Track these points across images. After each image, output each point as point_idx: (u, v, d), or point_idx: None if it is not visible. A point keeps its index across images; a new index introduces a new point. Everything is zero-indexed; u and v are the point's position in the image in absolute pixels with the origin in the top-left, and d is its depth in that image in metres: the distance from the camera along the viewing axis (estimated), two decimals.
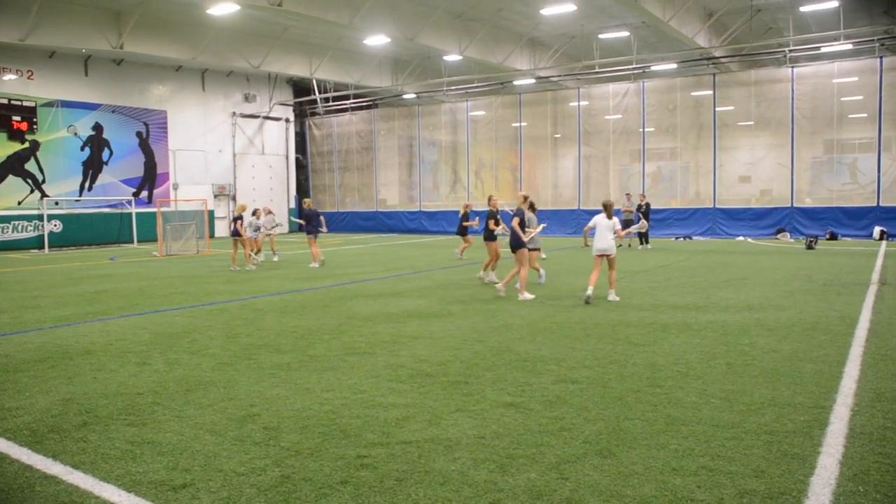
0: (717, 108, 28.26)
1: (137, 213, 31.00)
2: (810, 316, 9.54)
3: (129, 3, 26.30)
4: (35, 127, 28.56)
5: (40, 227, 28.45)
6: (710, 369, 6.69)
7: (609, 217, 11.42)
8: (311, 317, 10.25)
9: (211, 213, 33.27)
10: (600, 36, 30.87)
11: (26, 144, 28.47)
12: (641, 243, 23.08)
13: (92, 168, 30.87)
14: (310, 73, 35.09)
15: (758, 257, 18.88)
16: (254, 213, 19.91)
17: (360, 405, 5.72)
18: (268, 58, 32.83)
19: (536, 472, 4.29)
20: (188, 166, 34.88)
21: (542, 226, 13.54)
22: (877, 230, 24.56)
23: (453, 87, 35.39)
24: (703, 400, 5.69)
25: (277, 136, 39.79)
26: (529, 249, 12.58)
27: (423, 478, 4.23)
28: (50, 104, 29.09)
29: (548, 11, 26.84)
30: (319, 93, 38.38)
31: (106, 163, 31.34)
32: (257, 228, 19.55)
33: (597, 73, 32.12)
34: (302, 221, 19.61)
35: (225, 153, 36.97)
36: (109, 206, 31.25)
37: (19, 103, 28.08)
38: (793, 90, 26.53)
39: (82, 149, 30.48)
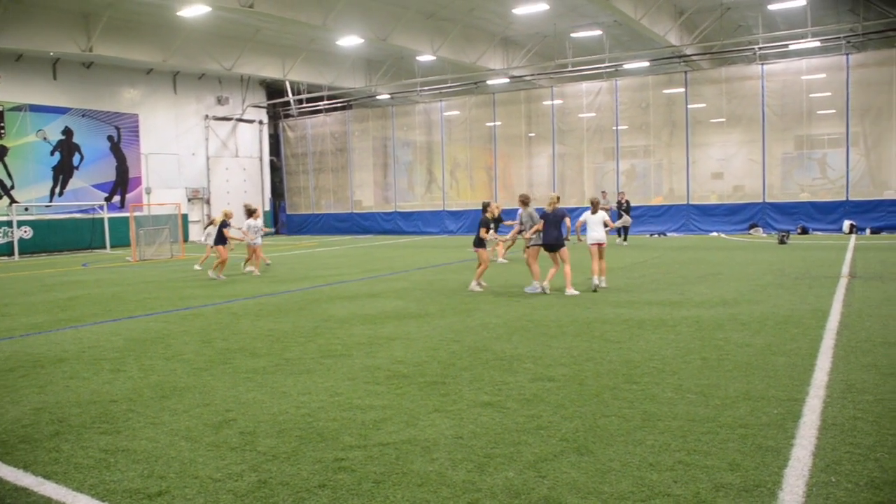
0: (689, 106, 28.55)
1: (110, 219, 30.57)
2: (783, 310, 9.67)
3: (98, 4, 25.97)
4: (2, 132, 28.09)
5: (10, 234, 27.96)
6: (685, 364, 6.76)
7: (595, 212, 12.87)
8: (287, 320, 10.18)
9: (185, 217, 32.93)
10: (573, 35, 31.03)
11: None
12: (620, 236, 23.31)
13: (62, 173, 30.41)
14: (283, 74, 34.89)
15: (731, 252, 19.10)
16: (251, 214, 17.33)
17: (337, 408, 5.69)
18: (240, 60, 32.59)
19: (514, 470, 4.30)
20: (161, 170, 34.50)
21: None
22: (846, 224, 24.96)
23: (427, 88, 35.38)
24: (678, 395, 5.74)
25: (251, 139, 39.51)
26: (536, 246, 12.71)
27: (401, 479, 4.22)
28: (18, 108, 28.62)
29: (520, 11, 26.96)
30: (293, 94, 38.20)
31: (77, 167, 30.89)
32: (257, 231, 17.23)
33: (570, 71, 32.29)
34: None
35: (198, 156, 36.63)
36: (81, 212, 30.81)
37: None
38: (763, 87, 26.88)
39: (52, 153, 30.02)
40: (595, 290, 12.10)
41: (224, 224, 16.55)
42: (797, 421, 5.02)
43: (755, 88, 27.21)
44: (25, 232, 28.67)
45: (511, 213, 22.18)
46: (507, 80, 34.64)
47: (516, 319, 9.59)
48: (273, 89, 39.59)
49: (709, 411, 5.30)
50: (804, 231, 25.52)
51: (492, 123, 33.60)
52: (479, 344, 8.02)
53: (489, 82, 34.47)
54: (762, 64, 27.29)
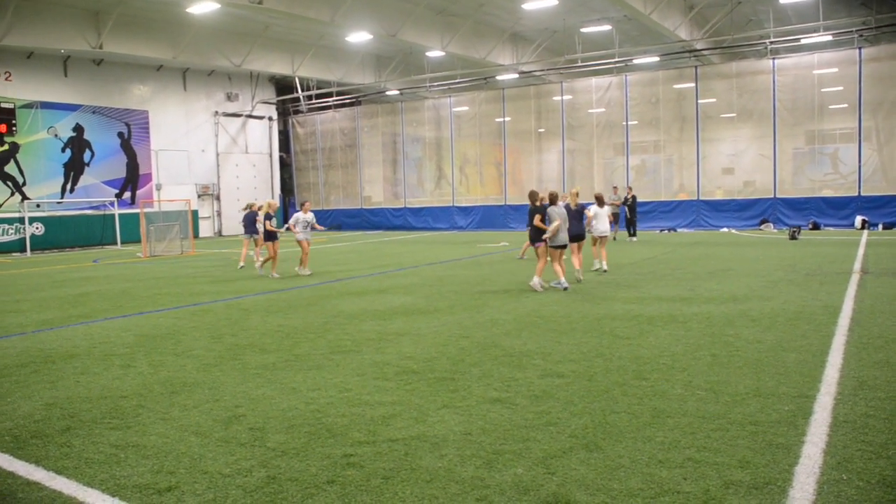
0: (699, 101, 28.40)
1: (120, 215, 30.76)
2: (794, 306, 9.61)
3: (108, 2, 26.07)
4: (14, 129, 28.26)
5: (22, 230, 28.14)
6: (695, 361, 6.73)
7: (601, 206, 14.77)
8: (296, 316, 10.21)
9: (195, 213, 33.06)
10: (582, 30, 30.92)
11: (6, 147, 28.18)
12: (628, 232, 23.27)
13: (73, 169, 30.58)
14: (292, 70, 34.93)
15: (742, 248, 19.00)
16: (302, 206, 16.25)
17: (346, 404, 5.70)
18: (249, 56, 32.64)
19: (523, 467, 4.29)
20: (171, 166, 34.64)
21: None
22: (858, 219, 24.79)
23: (436, 83, 35.35)
24: (688, 392, 5.72)
25: (261, 135, 39.60)
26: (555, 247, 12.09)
27: (409, 475, 4.22)
28: (29, 105, 28.78)
29: (530, 6, 26.87)
30: (302, 90, 38.22)
31: (87, 164, 31.06)
32: (306, 226, 15.83)
33: (579, 67, 32.17)
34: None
35: (208, 153, 36.74)
36: (92, 208, 30.98)
37: None
38: (774, 81, 26.71)
39: (63, 150, 30.19)
40: (602, 272, 14.01)
41: (268, 217, 15.62)
42: (808, 418, 4.99)
43: (766, 83, 27.04)
44: (37, 228, 28.86)
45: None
46: (517, 76, 34.56)
47: (525, 315, 9.57)
48: (282, 85, 39.64)
49: (719, 408, 5.27)
50: (816, 227, 25.36)
51: (501, 119, 33.54)
52: (488, 340, 8.01)
53: (499, 78, 34.40)
54: (773, 58, 27.12)
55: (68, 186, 30.42)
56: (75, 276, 17.63)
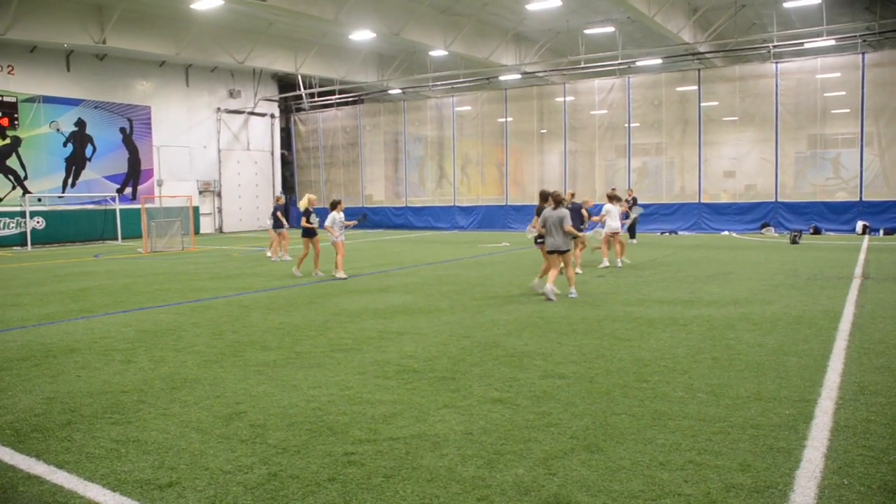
0: (701, 104, 28.39)
1: (122, 210, 30.76)
2: (795, 310, 9.61)
3: None
4: (16, 123, 28.25)
5: (23, 224, 28.15)
6: (696, 364, 6.73)
7: (613, 203, 15.49)
8: (297, 313, 10.21)
9: (196, 209, 33.05)
10: (586, 31, 30.91)
11: (7, 140, 28.17)
12: (631, 236, 23.27)
13: (75, 164, 30.58)
14: (295, 68, 34.92)
15: (743, 252, 19.00)
16: (334, 207, 15.03)
17: (347, 402, 5.70)
18: (252, 53, 32.63)
19: (524, 467, 4.29)
20: (173, 162, 34.64)
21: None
22: (859, 225, 24.78)
23: (439, 83, 35.35)
24: (689, 394, 5.72)
25: (262, 132, 39.59)
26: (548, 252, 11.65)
27: (410, 474, 4.22)
28: (31, 100, 28.78)
29: (533, 6, 26.86)
30: (305, 88, 38.23)
31: (89, 159, 31.05)
32: (341, 227, 14.91)
33: (582, 68, 32.16)
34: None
35: (210, 149, 36.73)
36: (93, 203, 30.98)
37: (0, 99, 27.75)
38: (777, 85, 26.69)
39: (65, 145, 30.18)
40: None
41: (306, 213, 15.07)
42: (809, 422, 4.99)
43: (769, 87, 27.03)
44: (38, 222, 28.86)
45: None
46: (520, 76, 34.55)
47: (526, 316, 9.57)
48: (285, 83, 39.65)
49: (720, 411, 5.27)
50: (817, 231, 25.35)
51: (503, 119, 33.53)
52: (489, 340, 8.01)
53: (501, 78, 34.39)
54: (776, 62, 27.11)
55: (70, 181, 30.41)
56: (76, 270, 17.63)
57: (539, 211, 11.68)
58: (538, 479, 4.11)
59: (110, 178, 31.83)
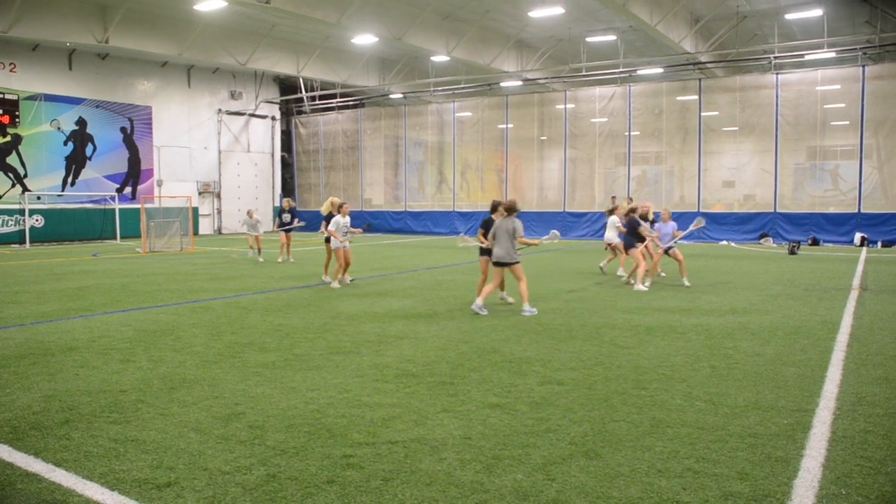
0: (702, 113, 28.45)
1: (121, 209, 30.76)
2: (793, 320, 9.63)
3: None
4: (17, 120, 28.25)
5: (21, 222, 28.13)
6: (694, 372, 6.74)
7: (609, 215, 15.52)
8: (296, 315, 10.21)
9: (195, 210, 33.05)
10: (588, 39, 30.99)
11: (8, 138, 28.17)
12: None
13: (75, 163, 30.57)
14: (297, 71, 34.97)
15: (741, 262, 19.02)
16: (339, 210, 13.80)
17: (346, 404, 5.70)
18: (254, 55, 32.68)
19: (523, 472, 4.29)
20: (173, 163, 34.64)
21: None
22: (858, 236, 24.83)
23: (440, 88, 35.40)
24: (687, 402, 5.73)
25: (263, 134, 39.60)
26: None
27: (409, 478, 4.22)
28: (33, 98, 28.79)
29: (536, 14, 26.93)
30: (306, 91, 38.27)
31: (89, 158, 31.05)
32: (346, 232, 13.81)
33: (584, 76, 32.23)
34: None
35: (210, 150, 36.75)
36: (92, 202, 30.97)
37: (1, 96, 27.77)
38: (777, 97, 26.77)
39: (65, 143, 30.18)
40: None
41: (326, 218, 14.04)
42: (807, 432, 5.00)
43: (769, 98, 27.10)
44: (37, 220, 28.84)
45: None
46: (521, 83, 34.62)
47: (525, 322, 9.58)
48: (286, 85, 39.69)
49: (718, 419, 5.28)
50: (815, 242, 25.39)
51: (504, 125, 33.58)
52: (487, 345, 8.02)
53: (502, 84, 34.46)
54: (777, 73, 27.19)
55: (69, 180, 30.40)
56: (74, 269, 17.61)
57: (487, 223, 10.91)
58: (537, 485, 4.11)
59: (110, 178, 31.82)
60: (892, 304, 11.17)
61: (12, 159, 28.41)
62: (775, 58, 27.74)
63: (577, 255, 17.17)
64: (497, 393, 6.02)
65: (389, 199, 38.55)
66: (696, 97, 28.64)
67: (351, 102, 39.10)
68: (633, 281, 13.54)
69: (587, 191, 31.41)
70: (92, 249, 25.29)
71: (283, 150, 40.94)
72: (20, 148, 28.61)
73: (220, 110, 36.83)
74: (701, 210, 28.36)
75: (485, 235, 10.99)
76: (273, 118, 39.92)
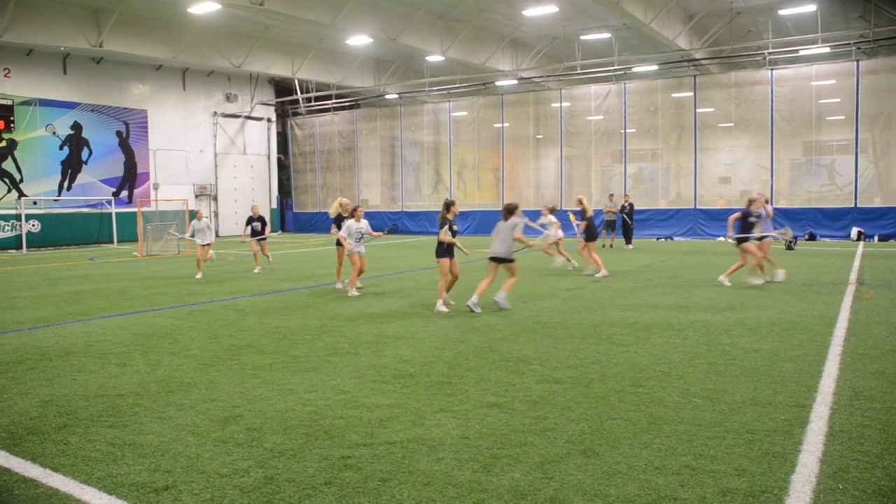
0: (697, 110, 28.50)
1: (117, 213, 30.73)
2: (790, 315, 9.64)
3: (109, 0, 26.04)
4: (12, 125, 28.19)
5: (18, 227, 28.09)
6: (691, 369, 6.74)
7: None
8: (293, 317, 10.20)
9: (192, 213, 32.99)
10: (582, 37, 31.02)
11: (3, 143, 28.13)
12: (627, 242, 23.37)
13: (71, 167, 30.53)
14: (292, 72, 34.95)
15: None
16: (353, 214, 13.04)
17: (344, 406, 5.70)
18: (249, 57, 32.66)
19: (520, 471, 4.30)
20: (169, 166, 34.61)
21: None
22: (854, 231, 24.88)
23: (436, 88, 35.40)
24: (685, 399, 5.73)
25: (259, 136, 39.59)
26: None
27: (407, 478, 4.22)
28: (27, 102, 28.74)
29: (530, 13, 26.95)
30: (301, 93, 38.25)
31: (85, 162, 31.01)
32: (360, 237, 12.87)
33: (579, 74, 32.26)
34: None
35: (206, 153, 36.72)
36: (89, 206, 30.93)
37: None
38: (772, 92, 26.81)
39: (61, 148, 30.14)
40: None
41: (336, 220, 13.39)
42: (804, 427, 5.00)
43: (764, 93, 27.14)
44: (33, 225, 28.80)
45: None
46: (516, 82, 34.62)
47: (522, 321, 9.58)
48: (281, 87, 39.67)
49: (715, 416, 5.29)
50: (812, 237, 25.43)
51: (500, 125, 33.60)
52: (485, 345, 8.02)
53: (498, 83, 34.46)
54: (771, 69, 27.22)
55: (65, 184, 30.36)
56: (72, 273, 17.59)
57: (443, 220, 10.84)
58: (534, 483, 4.11)
59: (106, 182, 31.78)
60: (888, 298, 11.18)
61: (8, 164, 28.36)
62: (769, 53, 27.77)
63: (574, 254, 17.23)
64: (495, 392, 6.02)
65: (386, 199, 38.56)
66: (691, 94, 28.68)
67: (346, 103, 39.10)
68: (597, 275, 14.21)
69: (584, 189, 31.40)
70: (89, 254, 25.25)
71: (279, 151, 40.93)
72: (16, 153, 28.57)
73: (215, 113, 36.80)
74: (698, 206, 28.40)
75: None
76: (269, 120, 39.90)
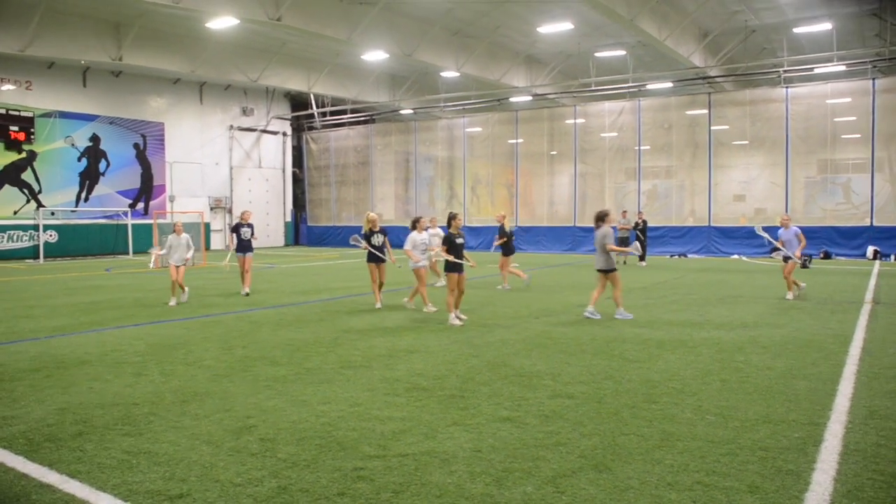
0: (712, 127, 28.46)
1: (133, 225, 30.99)
2: (804, 334, 9.58)
3: (129, 15, 26.43)
4: (32, 137, 28.59)
5: (36, 237, 28.40)
6: (704, 386, 6.72)
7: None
8: (307, 330, 10.25)
9: (207, 225, 33.25)
10: (597, 54, 31.12)
11: (23, 154, 28.50)
12: (640, 259, 23.31)
13: (88, 179, 30.88)
14: (308, 87, 35.25)
15: (752, 275, 18.95)
16: (414, 226, 12.45)
17: (357, 418, 5.72)
18: (266, 72, 32.97)
19: (532, 485, 4.30)
20: (185, 179, 34.93)
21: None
22: (870, 250, 24.70)
23: (450, 103, 35.59)
24: (698, 416, 5.72)
25: (274, 150, 39.89)
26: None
27: (419, 490, 4.24)
28: (48, 115, 29.14)
29: (545, 29, 27.10)
30: (317, 107, 38.56)
31: (103, 174, 31.36)
32: (424, 250, 12.37)
33: (593, 91, 32.33)
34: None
35: (222, 166, 37.03)
36: (105, 217, 31.23)
37: (17, 113, 28.12)
38: (787, 110, 26.76)
39: (79, 159, 30.51)
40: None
41: (365, 235, 12.88)
42: (818, 445, 4.98)
43: (779, 111, 27.09)
44: (51, 236, 29.10)
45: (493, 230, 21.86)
46: (531, 98, 34.76)
47: (535, 336, 9.58)
48: (297, 101, 40.02)
49: (728, 433, 5.27)
50: (827, 256, 25.27)
51: (514, 140, 33.69)
52: (497, 359, 8.03)
53: (512, 99, 34.60)
54: (787, 87, 27.18)
55: (83, 195, 30.70)
56: (87, 284, 17.75)
57: (447, 238, 10.91)
58: (546, 498, 4.12)
59: (123, 193, 32.10)
60: None
61: (27, 175, 28.73)
62: (784, 71, 27.75)
63: (587, 270, 17.22)
64: (507, 406, 6.03)
65: (400, 214, 38.67)
66: (705, 111, 28.66)
67: (361, 118, 39.37)
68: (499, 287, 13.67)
69: (598, 205, 31.31)
70: (105, 264, 25.48)
71: (294, 165, 41.21)
72: (35, 164, 28.94)
73: (231, 126, 37.15)
74: (712, 224, 28.30)
75: (447, 250, 10.88)
76: (284, 134, 40.21)
